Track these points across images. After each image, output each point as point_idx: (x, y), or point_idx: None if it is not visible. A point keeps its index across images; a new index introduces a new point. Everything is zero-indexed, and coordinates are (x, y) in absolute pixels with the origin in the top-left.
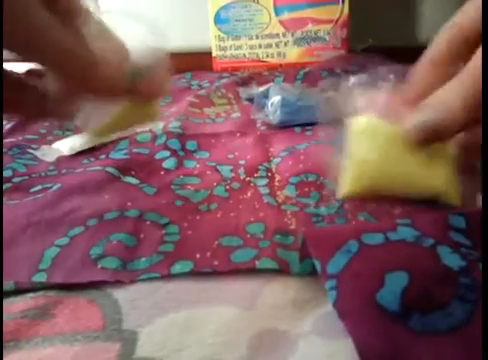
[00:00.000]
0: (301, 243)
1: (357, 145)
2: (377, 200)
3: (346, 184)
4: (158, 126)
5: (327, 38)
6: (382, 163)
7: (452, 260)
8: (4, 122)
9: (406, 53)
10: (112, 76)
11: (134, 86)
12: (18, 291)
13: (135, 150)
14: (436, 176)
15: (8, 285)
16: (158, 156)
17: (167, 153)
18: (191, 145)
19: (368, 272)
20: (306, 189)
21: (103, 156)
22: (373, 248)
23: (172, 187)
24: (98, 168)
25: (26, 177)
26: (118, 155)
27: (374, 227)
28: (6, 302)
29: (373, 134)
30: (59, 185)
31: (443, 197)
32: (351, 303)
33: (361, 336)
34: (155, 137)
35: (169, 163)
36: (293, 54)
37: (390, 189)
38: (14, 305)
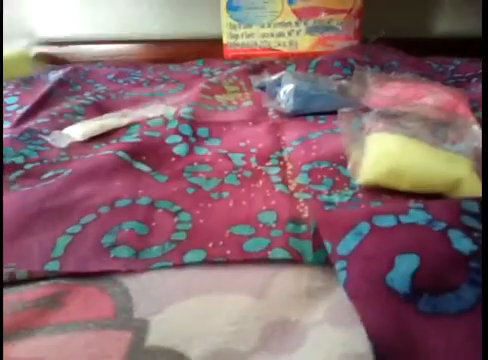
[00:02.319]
0: (313, 230)
1: (377, 140)
2: (392, 192)
3: (365, 172)
4: (169, 112)
5: (340, 28)
6: (402, 154)
7: (463, 244)
8: (16, 106)
9: (419, 45)
10: None
11: None
12: (30, 279)
13: (146, 133)
14: (458, 167)
15: (22, 274)
16: (169, 140)
17: (178, 138)
18: (202, 132)
19: (378, 254)
20: (319, 176)
21: (114, 141)
22: (384, 230)
23: (184, 175)
24: (109, 152)
25: (38, 163)
26: (129, 139)
27: (386, 210)
28: (18, 291)
29: (391, 135)
30: (70, 171)
31: (467, 185)
32: (361, 284)
33: (370, 317)
34: (166, 122)
35: (180, 149)
36: (305, 43)
37: (411, 180)
38: (26, 293)
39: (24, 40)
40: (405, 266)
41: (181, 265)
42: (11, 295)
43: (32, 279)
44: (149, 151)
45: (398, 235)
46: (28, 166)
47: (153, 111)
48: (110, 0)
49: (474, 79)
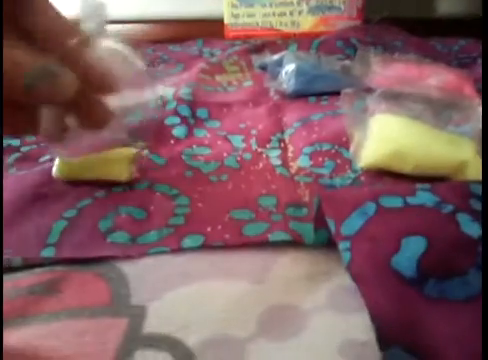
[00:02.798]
0: (316, 207)
1: (380, 122)
2: (395, 175)
3: (368, 155)
4: (168, 93)
5: (342, 7)
6: (406, 136)
7: (472, 228)
8: None
9: (422, 25)
10: None
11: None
12: (25, 266)
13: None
14: (462, 149)
15: (16, 261)
16: (168, 122)
17: (177, 119)
18: (202, 113)
19: (384, 235)
20: (320, 159)
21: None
22: (391, 211)
23: (182, 157)
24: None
25: (34, 146)
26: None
27: (393, 190)
28: (13, 278)
29: (395, 117)
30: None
31: (471, 168)
32: (365, 266)
33: (374, 300)
34: (165, 103)
35: (179, 131)
36: (307, 23)
37: (414, 163)
38: (21, 281)
39: None
40: (412, 249)
41: (179, 250)
42: (6, 282)
43: (27, 266)
44: (147, 133)
45: (405, 217)
46: (25, 148)
47: (152, 92)
48: None
49: (479, 60)
